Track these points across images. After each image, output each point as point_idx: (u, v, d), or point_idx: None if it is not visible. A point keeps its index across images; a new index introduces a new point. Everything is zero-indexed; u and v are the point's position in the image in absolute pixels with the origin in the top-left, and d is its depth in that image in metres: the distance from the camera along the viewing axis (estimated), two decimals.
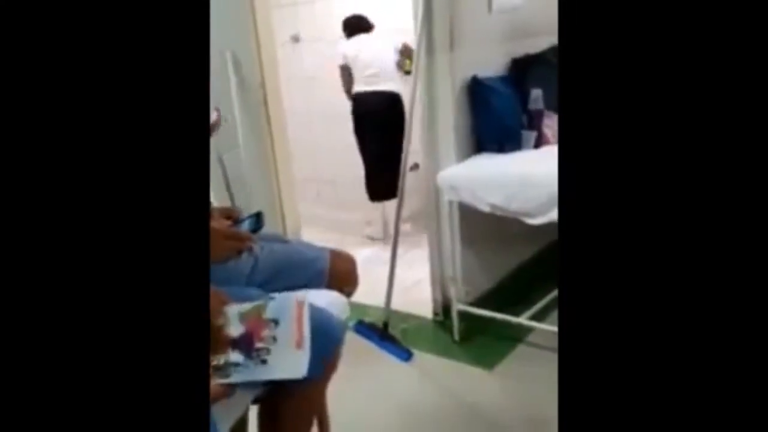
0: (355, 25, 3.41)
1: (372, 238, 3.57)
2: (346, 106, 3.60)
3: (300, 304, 1.01)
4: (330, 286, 1.32)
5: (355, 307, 2.48)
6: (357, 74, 3.34)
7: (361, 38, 3.37)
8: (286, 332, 0.99)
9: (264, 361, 0.96)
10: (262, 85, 2.52)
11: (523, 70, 2.35)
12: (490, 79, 2.24)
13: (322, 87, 3.89)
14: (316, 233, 3.54)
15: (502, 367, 2.09)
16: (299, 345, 0.98)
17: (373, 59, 3.29)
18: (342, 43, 3.43)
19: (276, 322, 1.00)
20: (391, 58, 3.30)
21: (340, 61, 3.44)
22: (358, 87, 3.33)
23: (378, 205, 3.49)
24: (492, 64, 2.33)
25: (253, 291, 1.14)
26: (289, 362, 0.96)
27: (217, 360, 0.95)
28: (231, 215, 1.35)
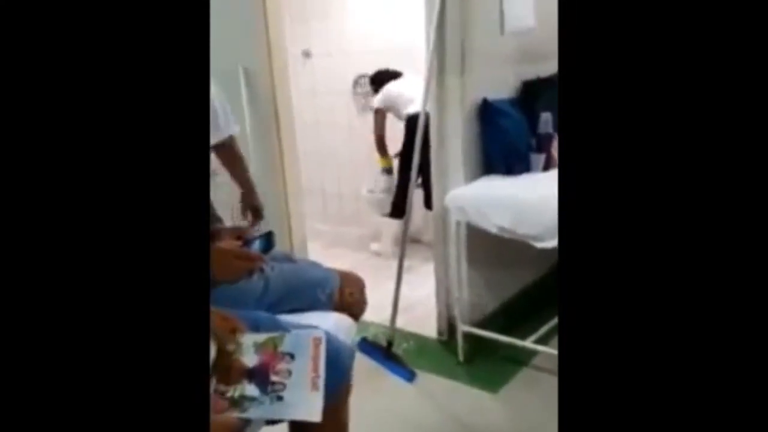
0: (384, 77, 3.50)
1: (379, 254, 3.55)
2: (354, 120, 3.62)
3: (317, 342, 1.01)
4: (338, 308, 1.32)
5: (358, 324, 2.48)
6: (401, 110, 3.33)
7: (398, 81, 3.44)
8: (301, 369, 0.98)
9: (280, 398, 0.96)
10: (273, 100, 2.53)
11: (533, 93, 2.37)
12: (500, 101, 2.25)
13: (332, 102, 3.91)
14: (320, 246, 3.55)
15: (506, 391, 2.09)
16: (315, 385, 0.97)
17: (415, 91, 3.30)
18: (382, 90, 3.47)
19: (292, 356, 1.00)
20: None
21: (378, 105, 3.47)
22: (409, 110, 3.27)
23: (387, 221, 3.47)
24: (502, 87, 2.34)
25: (262, 315, 1.14)
26: (305, 403, 0.96)
27: (232, 391, 0.94)
28: (241, 235, 1.36)
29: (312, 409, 0.95)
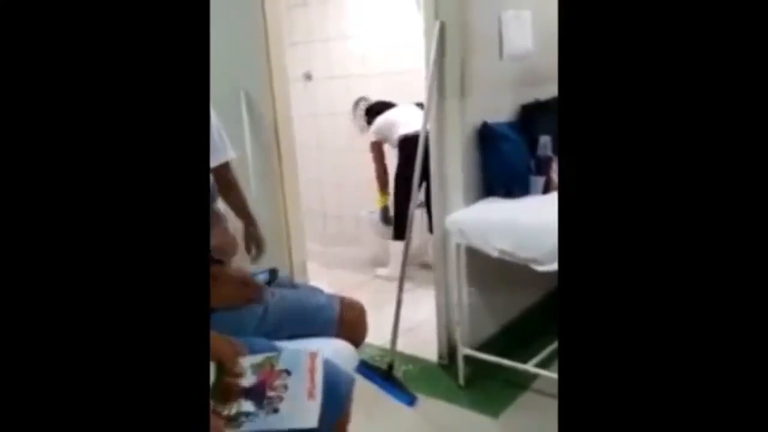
0: (379, 109, 3.53)
1: (389, 279, 3.50)
2: (354, 143, 3.64)
3: (312, 356, 1.01)
4: (339, 334, 1.31)
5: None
6: (394, 135, 3.34)
7: (389, 111, 3.46)
8: (298, 382, 0.99)
9: (276, 410, 0.96)
10: (275, 124, 2.54)
11: (532, 116, 2.38)
12: (499, 125, 2.27)
13: (333, 124, 3.94)
14: (320, 267, 3.53)
15: (507, 415, 2.06)
16: (311, 394, 0.98)
17: (409, 116, 3.32)
18: (374, 122, 3.50)
19: (288, 372, 1.01)
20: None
21: (373, 138, 3.51)
22: (401, 132, 3.28)
23: (392, 245, 3.45)
24: (502, 110, 2.35)
25: (260, 341, 1.13)
26: (301, 411, 0.96)
27: (229, 409, 0.95)
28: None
29: (307, 417, 0.96)
